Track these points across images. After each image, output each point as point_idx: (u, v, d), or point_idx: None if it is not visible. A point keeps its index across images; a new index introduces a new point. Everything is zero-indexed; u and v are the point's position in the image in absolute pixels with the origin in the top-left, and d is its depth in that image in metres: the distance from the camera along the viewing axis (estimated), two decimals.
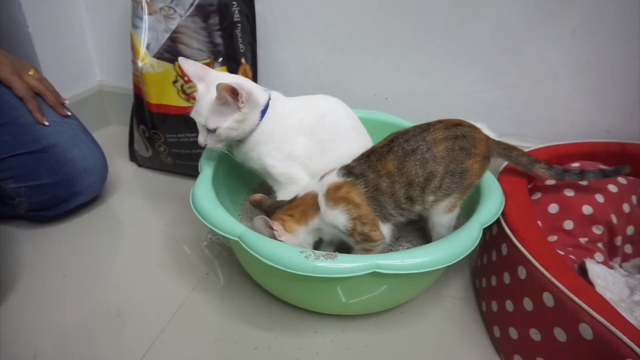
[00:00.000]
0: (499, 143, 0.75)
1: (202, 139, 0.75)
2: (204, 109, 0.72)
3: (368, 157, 0.71)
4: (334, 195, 0.68)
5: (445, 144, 0.69)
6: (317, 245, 0.77)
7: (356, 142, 0.79)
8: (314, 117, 0.78)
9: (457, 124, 0.71)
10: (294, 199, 0.73)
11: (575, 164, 0.83)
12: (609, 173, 0.74)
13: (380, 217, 0.70)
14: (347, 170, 0.70)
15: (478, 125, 0.74)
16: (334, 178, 0.70)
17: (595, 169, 0.75)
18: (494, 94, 1.02)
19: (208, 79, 0.74)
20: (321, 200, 0.69)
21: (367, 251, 0.70)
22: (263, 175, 0.81)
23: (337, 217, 0.68)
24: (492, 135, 0.75)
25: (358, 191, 0.68)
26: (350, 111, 0.82)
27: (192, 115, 0.75)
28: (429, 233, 0.77)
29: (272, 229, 0.67)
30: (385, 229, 0.71)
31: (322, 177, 0.72)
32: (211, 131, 0.73)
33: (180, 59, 0.75)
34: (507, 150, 0.75)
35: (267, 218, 0.67)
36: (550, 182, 0.82)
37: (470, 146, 0.70)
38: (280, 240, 0.67)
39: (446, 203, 0.71)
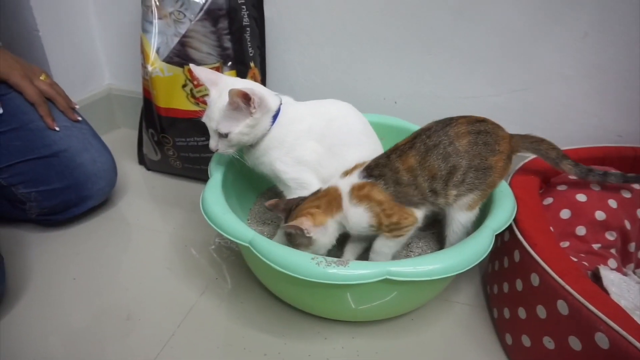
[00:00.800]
0: (525, 137, 0.75)
1: (213, 143, 0.75)
2: (215, 114, 0.72)
3: (388, 157, 0.71)
4: (358, 193, 0.69)
5: (468, 138, 0.69)
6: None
7: (367, 147, 0.79)
8: (324, 122, 0.77)
9: (481, 120, 0.72)
10: (317, 192, 0.73)
11: None
12: (630, 179, 0.76)
13: (408, 203, 0.70)
14: (368, 172, 0.71)
15: None
16: (355, 179, 0.71)
17: (618, 172, 0.76)
18: (504, 98, 1.01)
19: (220, 84, 0.74)
20: (345, 198, 0.70)
21: (397, 237, 0.70)
22: (273, 180, 0.81)
23: (362, 216, 0.69)
24: None
25: (379, 189, 0.69)
26: (360, 116, 0.82)
27: (204, 120, 0.75)
28: (444, 233, 0.77)
29: (300, 230, 0.67)
30: (419, 213, 0.71)
31: (345, 175, 0.73)
32: (223, 136, 0.73)
33: (192, 66, 0.75)
34: (535, 143, 0.75)
35: (291, 224, 0.67)
36: (562, 187, 0.81)
37: (493, 142, 0.70)
38: (310, 237, 0.67)
39: (468, 199, 0.72)
